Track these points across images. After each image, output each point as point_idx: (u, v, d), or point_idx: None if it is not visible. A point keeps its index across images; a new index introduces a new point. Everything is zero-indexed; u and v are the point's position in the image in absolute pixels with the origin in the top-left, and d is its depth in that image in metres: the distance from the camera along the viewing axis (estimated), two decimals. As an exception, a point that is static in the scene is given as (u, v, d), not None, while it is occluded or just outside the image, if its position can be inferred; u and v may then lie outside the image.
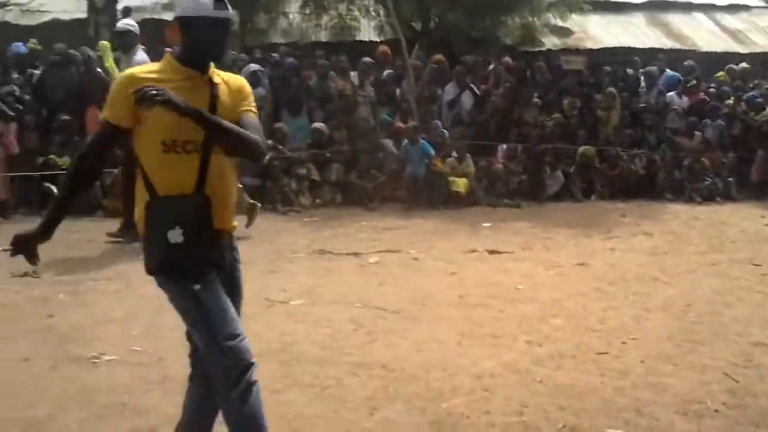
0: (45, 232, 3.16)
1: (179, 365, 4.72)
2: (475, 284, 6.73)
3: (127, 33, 8.63)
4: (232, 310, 3.23)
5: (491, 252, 7.99)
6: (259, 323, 5.55)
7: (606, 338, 5.35)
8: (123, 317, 5.73)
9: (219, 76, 3.07)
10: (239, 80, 3.17)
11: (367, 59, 12.38)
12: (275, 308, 6.01)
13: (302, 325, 5.57)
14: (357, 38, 16.76)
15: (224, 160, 3.03)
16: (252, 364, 3.14)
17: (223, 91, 3.05)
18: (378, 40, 15.87)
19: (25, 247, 3.16)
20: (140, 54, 10.25)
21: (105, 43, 8.95)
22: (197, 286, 3.05)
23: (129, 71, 3.06)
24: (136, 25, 8.96)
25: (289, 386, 4.45)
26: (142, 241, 3.12)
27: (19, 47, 11.59)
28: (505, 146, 12.03)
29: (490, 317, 5.77)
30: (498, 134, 12.27)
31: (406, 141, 11.19)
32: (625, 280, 7.00)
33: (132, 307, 5.99)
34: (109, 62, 9.14)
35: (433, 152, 11.10)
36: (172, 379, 4.51)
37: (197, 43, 2.97)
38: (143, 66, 3.11)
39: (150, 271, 3.14)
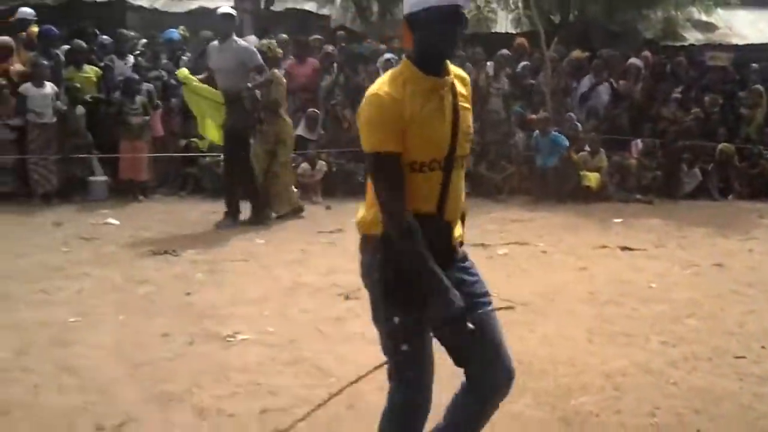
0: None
1: (310, 348, 4.85)
2: (606, 281, 6.58)
3: (231, 17, 8.64)
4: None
5: (623, 248, 7.79)
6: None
7: (745, 342, 5.14)
8: (256, 298, 5.88)
9: (451, 71, 2.73)
10: (461, 72, 2.83)
11: (504, 51, 12.24)
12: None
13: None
14: (493, 30, 16.64)
15: (462, 173, 2.75)
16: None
17: (460, 92, 2.74)
18: (514, 32, 15.71)
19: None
20: (251, 38, 10.56)
21: (184, 70, 8.86)
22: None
23: (373, 91, 2.63)
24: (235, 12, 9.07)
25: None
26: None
27: (172, 33, 11.98)
28: (639, 141, 11.71)
29: (622, 315, 5.63)
30: (632, 129, 11.94)
31: (536, 132, 11.04)
32: (765, 283, 6.69)
33: (265, 288, 6.15)
34: (194, 86, 8.76)
35: (566, 143, 10.89)
36: (304, 361, 4.61)
37: (429, 42, 2.60)
38: (383, 80, 2.68)
39: (384, 294, 2.73)
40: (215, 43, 8.59)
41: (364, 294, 5.75)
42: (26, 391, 4.12)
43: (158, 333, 5.07)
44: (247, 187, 8.51)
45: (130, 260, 6.93)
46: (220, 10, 8.63)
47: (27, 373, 4.35)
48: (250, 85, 8.41)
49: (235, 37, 8.45)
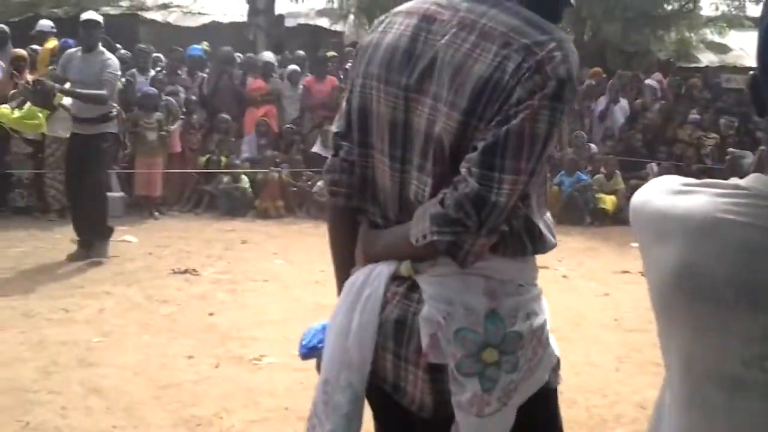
0: None
1: (338, 373, 4.80)
2: (630, 307, 6.53)
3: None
4: None
5: (643, 274, 7.73)
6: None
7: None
8: (280, 320, 5.84)
9: None
10: None
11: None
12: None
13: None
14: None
15: None
16: None
17: None
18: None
19: None
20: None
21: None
22: None
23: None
24: None
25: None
26: None
27: (196, 50, 11.99)
28: (655, 164, 11.66)
29: (649, 343, 5.55)
30: (648, 151, 11.91)
31: (562, 171, 10.90)
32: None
33: (287, 310, 6.10)
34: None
35: (589, 180, 10.81)
36: (332, 386, 4.56)
37: None
38: None
39: None
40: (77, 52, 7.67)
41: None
42: (55, 414, 4.08)
43: (183, 354, 5.03)
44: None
45: (150, 279, 6.89)
46: (83, 16, 7.71)
47: (54, 395, 4.31)
48: None
49: (101, 48, 7.53)
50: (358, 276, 1.84)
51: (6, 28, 10.98)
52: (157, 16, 20.07)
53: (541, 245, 1.79)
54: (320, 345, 1.99)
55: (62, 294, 6.33)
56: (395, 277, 1.77)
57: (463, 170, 1.62)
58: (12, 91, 9.48)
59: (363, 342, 1.77)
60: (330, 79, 11.42)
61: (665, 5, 15.45)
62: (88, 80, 7.23)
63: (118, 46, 11.91)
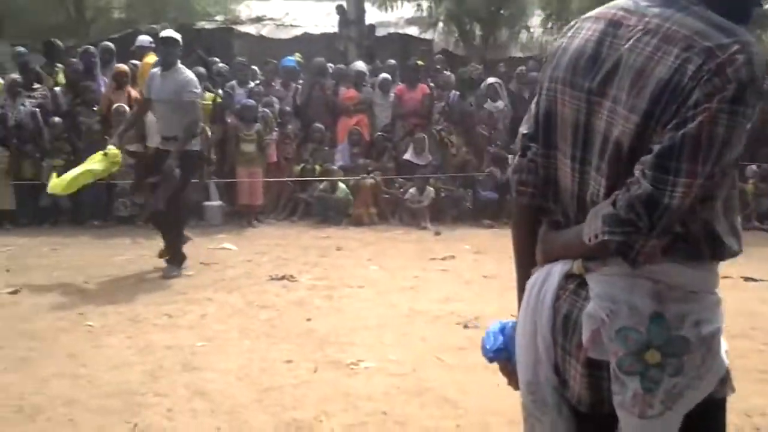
0: None
1: (433, 378, 4.83)
2: (734, 313, 6.33)
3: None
4: None
5: (746, 279, 7.55)
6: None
7: None
8: (375, 325, 5.90)
9: None
10: None
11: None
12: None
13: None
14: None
15: None
16: None
17: None
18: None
19: None
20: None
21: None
22: None
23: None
24: None
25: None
26: None
27: (290, 61, 12.22)
28: (755, 166, 11.33)
29: (754, 350, 5.44)
30: (749, 152, 11.57)
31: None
32: None
33: (383, 315, 6.17)
34: None
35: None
36: (428, 391, 4.59)
37: None
38: None
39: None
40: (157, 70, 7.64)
41: (483, 323, 5.80)
42: (162, 416, 4.21)
43: (283, 359, 5.13)
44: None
45: (250, 285, 7.06)
46: (162, 34, 7.78)
47: (161, 398, 4.46)
48: None
49: (179, 66, 7.50)
50: (537, 276, 1.91)
51: (112, 45, 11.40)
52: (251, 29, 20.49)
53: (721, 251, 1.77)
54: (503, 347, 2.07)
55: (166, 300, 6.55)
56: (568, 275, 1.83)
57: (636, 172, 1.64)
58: (115, 105, 9.86)
59: (545, 338, 1.85)
60: (421, 87, 11.48)
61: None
62: (167, 98, 7.32)
63: (216, 59, 12.24)
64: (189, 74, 7.46)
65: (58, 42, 11.63)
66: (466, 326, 5.88)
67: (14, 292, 6.69)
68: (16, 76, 10.66)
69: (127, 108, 9.91)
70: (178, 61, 7.44)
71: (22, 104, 10.22)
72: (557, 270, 1.85)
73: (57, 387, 4.59)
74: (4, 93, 10.31)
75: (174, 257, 7.53)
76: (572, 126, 1.81)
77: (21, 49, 11.42)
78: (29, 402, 4.35)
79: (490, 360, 2.13)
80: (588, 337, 1.74)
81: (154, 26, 20.31)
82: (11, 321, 5.90)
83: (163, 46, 7.50)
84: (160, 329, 5.75)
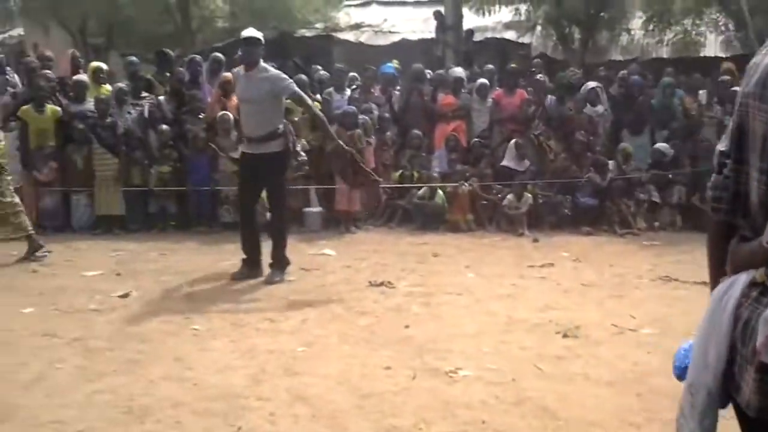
0: None
1: (532, 387, 4.81)
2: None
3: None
4: None
5: None
6: (609, 350, 5.50)
7: None
8: (474, 333, 5.91)
9: None
10: None
11: (725, 77, 11.68)
12: (624, 336, 5.89)
13: (655, 355, 5.38)
14: (701, 54, 16.04)
15: None
16: None
17: None
18: (724, 55, 15.04)
19: None
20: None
21: None
22: None
23: None
24: None
25: (648, 421, 4.33)
26: None
27: (388, 68, 12.30)
28: None
29: None
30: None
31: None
32: None
33: (481, 323, 6.17)
34: None
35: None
36: (527, 400, 4.58)
37: None
38: None
39: None
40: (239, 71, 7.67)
41: (583, 332, 5.75)
42: (264, 420, 4.32)
43: (382, 365, 5.20)
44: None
45: (349, 291, 7.16)
46: (244, 34, 7.62)
47: (263, 402, 4.57)
48: None
49: (262, 65, 7.47)
50: (723, 285, 1.95)
51: (221, 56, 11.71)
52: (350, 36, 20.74)
53: None
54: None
55: (268, 305, 6.70)
56: (752, 284, 1.86)
57: None
58: (221, 113, 10.11)
59: (719, 344, 1.89)
60: (519, 92, 11.40)
61: None
62: (253, 98, 7.33)
63: (318, 67, 12.43)
64: (273, 70, 7.50)
65: (169, 51, 12.02)
66: (565, 335, 5.84)
67: (124, 296, 6.95)
68: (123, 84, 11.07)
69: (232, 117, 10.16)
70: (261, 60, 7.43)
71: (129, 112, 10.60)
72: (741, 279, 1.88)
73: (164, 389, 4.77)
74: (112, 101, 10.68)
75: (278, 262, 7.61)
76: (761, 139, 1.83)
77: (132, 58, 11.86)
78: (138, 403, 4.53)
79: (679, 377, 2.15)
80: (762, 341, 1.75)
81: (257, 34, 20.85)
82: (121, 324, 6.15)
83: (245, 46, 7.47)
84: (262, 333, 5.90)
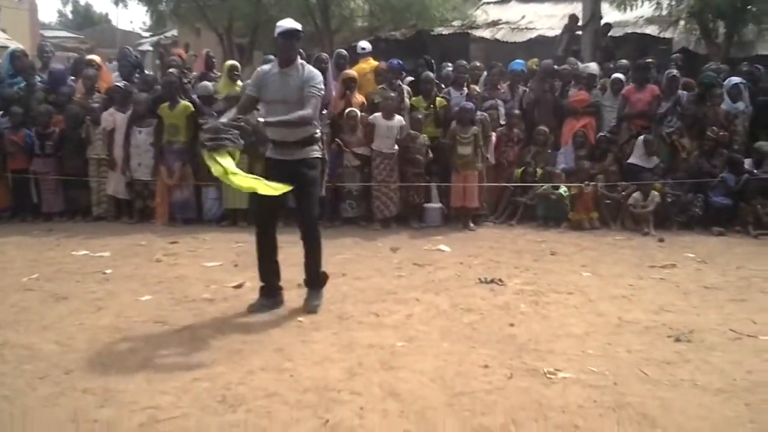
0: None
1: (634, 392, 4.63)
2: None
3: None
4: None
5: None
6: (722, 356, 5.22)
7: None
8: (580, 334, 5.74)
9: None
10: None
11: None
12: (742, 342, 5.57)
13: (774, 363, 5.08)
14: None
15: None
16: None
17: None
18: None
19: None
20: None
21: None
22: None
23: None
24: None
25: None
26: None
27: (517, 64, 12.12)
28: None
29: None
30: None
31: None
32: None
33: (589, 324, 5.98)
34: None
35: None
36: (627, 406, 4.42)
37: None
38: None
39: None
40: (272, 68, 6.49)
41: (697, 336, 5.48)
42: (353, 414, 4.33)
43: (479, 363, 5.11)
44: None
45: (457, 288, 7.08)
46: (282, 26, 6.29)
47: (355, 396, 4.58)
48: None
49: (300, 61, 6.40)
50: None
51: (344, 51, 11.85)
52: (486, 33, 20.70)
53: None
54: None
55: (376, 299, 6.71)
56: None
57: None
58: (348, 109, 10.21)
59: None
60: (651, 87, 10.95)
61: None
62: (288, 98, 6.22)
63: (449, 65, 12.35)
64: (312, 69, 6.38)
65: (301, 50, 12.23)
66: (677, 339, 5.60)
67: (238, 287, 7.13)
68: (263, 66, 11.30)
69: (358, 112, 10.25)
70: (299, 57, 6.40)
71: (257, 108, 10.81)
72: None
73: (261, 380, 4.84)
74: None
75: (314, 281, 6.61)
76: None
77: (270, 56, 12.13)
78: (233, 393, 4.63)
79: None
80: None
81: (394, 33, 21.05)
82: (230, 314, 6.30)
83: (283, 39, 6.24)
84: (365, 327, 5.92)
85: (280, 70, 6.30)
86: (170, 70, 11.38)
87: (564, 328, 5.89)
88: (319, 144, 6.48)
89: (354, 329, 5.85)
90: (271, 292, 6.55)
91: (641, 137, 10.38)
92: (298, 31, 6.27)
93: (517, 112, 11.12)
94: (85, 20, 47.20)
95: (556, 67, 11.98)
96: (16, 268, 7.90)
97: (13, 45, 17.02)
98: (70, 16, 50.24)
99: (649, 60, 11.96)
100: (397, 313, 6.30)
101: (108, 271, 7.72)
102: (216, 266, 8.00)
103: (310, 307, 6.38)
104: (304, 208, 6.49)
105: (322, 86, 6.37)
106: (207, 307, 6.52)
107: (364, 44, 12.35)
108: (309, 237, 6.54)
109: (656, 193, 9.90)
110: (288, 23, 6.25)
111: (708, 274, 7.60)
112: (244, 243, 8.73)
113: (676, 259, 8.17)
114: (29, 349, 5.43)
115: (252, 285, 7.07)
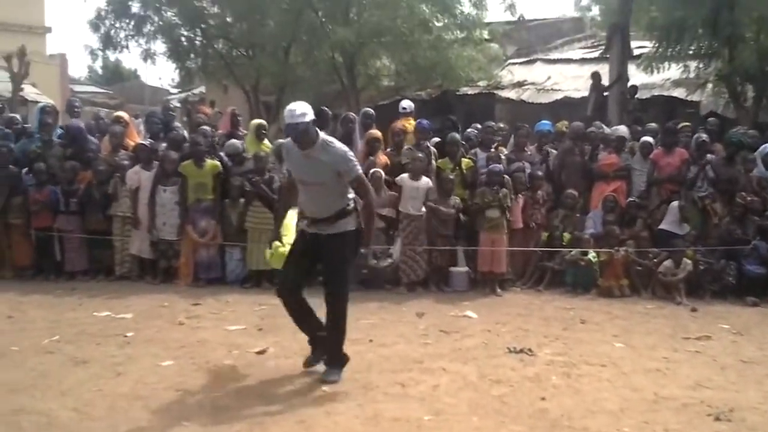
0: None
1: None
2: None
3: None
4: None
5: None
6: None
7: None
8: (615, 410, 5.52)
9: None
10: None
11: None
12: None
13: None
14: None
15: None
16: None
17: None
18: None
19: None
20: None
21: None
22: None
23: None
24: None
25: None
26: None
27: (544, 125, 12.03)
28: None
29: None
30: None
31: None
32: None
33: (624, 399, 5.77)
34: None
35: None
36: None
37: None
38: None
39: None
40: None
41: (738, 415, 5.25)
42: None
43: (508, 440, 4.92)
44: None
45: (486, 357, 6.88)
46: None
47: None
48: None
49: (323, 138, 6.03)
50: None
51: (371, 110, 11.83)
52: (512, 94, 20.75)
53: None
54: None
55: (401, 368, 6.51)
56: None
57: None
58: (372, 170, 10.13)
59: None
60: (680, 151, 10.80)
61: None
62: (313, 180, 6.06)
63: (478, 126, 12.25)
64: (339, 146, 6.09)
65: (326, 109, 12.22)
66: (717, 418, 5.39)
67: (261, 352, 6.96)
68: (283, 140, 11.28)
69: (383, 174, 10.17)
70: (319, 135, 5.97)
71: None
72: None
73: (283, 453, 4.67)
74: (271, 157, 10.88)
75: (335, 359, 6.32)
76: None
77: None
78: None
79: None
80: None
81: (420, 93, 21.14)
82: (252, 382, 6.14)
83: (289, 131, 6.00)
84: (390, 398, 5.73)
85: (302, 151, 6.01)
86: (201, 127, 11.35)
87: (598, 403, 5.67)
88: (354, 215, 6.20)
89: (379, 401, 5.67)
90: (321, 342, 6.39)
91: (674, 203, 10.20)
92: (303, 121, 5.82)
93: (540, 173, 10.97)
94: (114, 76, 47.74)
95: (593, 130, 11.86)
96: (38, 329, 7.79)
97: (44, 100, 17.15)
98: (99, 71, 50.88)
99: (686, 124, 11.82)
100: (423, 383, 6.10)
101: (129, 334, 7.58)
102: (239, 330, 7.84)
103: (328, 380, 6.13)
104: (331, 284, 6.26)
105: (354, 158, 6.14)
106: (229, 373, 6.37)
107: (406, 104, 12.37)
108: (334, 314, 6.24)
109: (689, 261, 9.68)
110: (292, 116, 5.82)
111: (745, 347, 7.37)
112: (267, 306, 8.59)
113: (710, 331, 7.94)
114: (46, 416, 5.31)
115: (275, 351, 6.93)
